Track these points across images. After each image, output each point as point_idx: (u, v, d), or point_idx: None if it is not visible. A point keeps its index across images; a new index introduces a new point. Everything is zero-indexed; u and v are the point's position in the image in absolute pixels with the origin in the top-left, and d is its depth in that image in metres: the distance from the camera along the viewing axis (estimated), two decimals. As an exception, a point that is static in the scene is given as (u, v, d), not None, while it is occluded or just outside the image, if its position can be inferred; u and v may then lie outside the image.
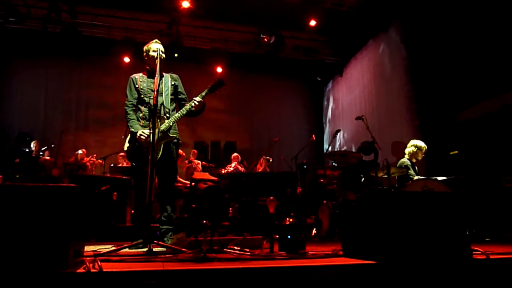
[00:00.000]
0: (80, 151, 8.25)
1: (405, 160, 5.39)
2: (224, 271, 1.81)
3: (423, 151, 5.40)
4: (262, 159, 8.44)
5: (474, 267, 2.17)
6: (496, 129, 6.03)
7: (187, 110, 3.55)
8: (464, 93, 6.65)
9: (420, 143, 5.43)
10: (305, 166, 6.77)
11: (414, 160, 5.42)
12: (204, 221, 2.52)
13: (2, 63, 10.35)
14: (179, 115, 3.56)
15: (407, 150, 5.47)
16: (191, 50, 10.12)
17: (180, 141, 3.79)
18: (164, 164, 3.55)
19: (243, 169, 8.43)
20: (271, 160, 8.42)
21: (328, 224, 5.01)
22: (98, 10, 9.55)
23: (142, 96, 3.66)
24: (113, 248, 2.63)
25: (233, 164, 8.38)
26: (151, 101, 3.32)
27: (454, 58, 6.86)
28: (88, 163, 7.96)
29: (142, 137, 3.47)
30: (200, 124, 11.25)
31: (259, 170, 8.20)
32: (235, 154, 8.76)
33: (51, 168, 7.66)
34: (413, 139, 5.68)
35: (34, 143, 8.12)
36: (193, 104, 3.53)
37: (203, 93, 3.59)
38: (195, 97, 3.57)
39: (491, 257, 2.24)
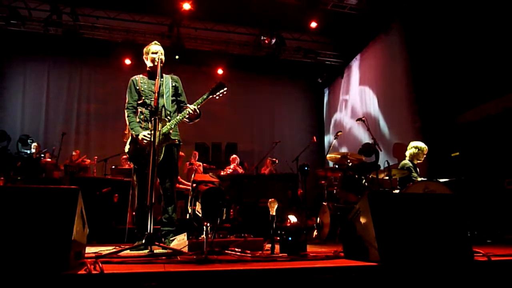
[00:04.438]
0: (73, 153, 8.27)
1: (407, 162, 5.37)
2: (225, 273, 1.81)
3: (424, 152, 5.38)
4: (268, 160, 8.45)
5: (476, 268, 2.16)
6: (497, 130, 6.02)
7: (184, 115, 3.53)
8: (465, 95, 6.65)
9: (421, 144, 5.41)
10: (306, 168, 6.77)
11: (416, 162, 5.40)
12: (205, 223, 2.52)
13: (3, 65, 10.39)
14: (180, 117, 3.52)
15: (407, 152, 5.45)
16: (192, 52, 10.14)
17: (181, 143, 3.78)
18: (165, 166, 3.54)
19: (242, 170, 8.44)
20: (277, 162, 8.43)
21: (329, 225, 5.00)
22: (99, 12, 9.58)
23: (143, 97, 3.64)
24: (114, 249, 2.63)
25: (231, 166, 8.39)
26: (152, 103, 3.31)
27: (456, 60, 6.86)
28: (88, 165, 7.97)
29: (144, 140, 3.46)
30: (201, 126, 11.19)
31: (265, 172, 8.21)
32: (234, 156, 8.77)
33: (52, 170, 7.67)
34: (414, 140, 5.68)
35: (34, 145, 8.14)
36: (188, 112, 3.50)
37: (204, 96, 3.57)
38: (195, 101, 3.56)
39: (492, 258, 2.23)
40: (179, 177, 6.28)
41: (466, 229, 2.39)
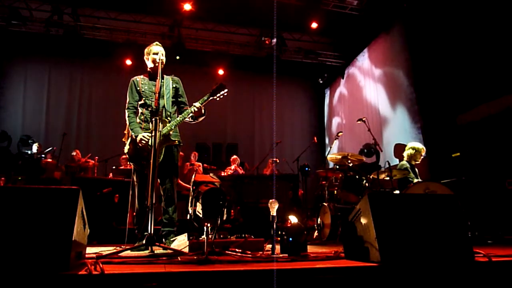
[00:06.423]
0: (73, 152, 8.23)
1: (404, 162, 5.39)
2: (225, 273, 1.81)
3: (422, 152, 5.40)
4: (270, 161, 8.45)
5: (476, 269, 2.16)
6: (498, 130, 6.01)
7: (187, 114, 3.53)
8: (467, 95, 6.64)
9: (418, 145, 5.43)
10: (306, 168, 6.77)
11: (413, 163, 5.41)
12: (206, 223, 2.52)
13: (4, 65, 10.40)
14: (180, 118, 3.50)
15: (405, 153, 5.47)
16: (193, 53, 10.15)
17: (182, 144, 3.77)
18: (165, 167, 3.54)
19: (242, 171, 8.43)
20: (277, 161, 8.45)
21: (329, 226, 5.00)
22: (100, 12, 9.59)
23: (144, 98, 3.63)
24: (115, 250, 2.64)
25: (232, 167, 8.39)
26: (153, 104, 3.30)
27: (457, 60, 6.85)
28: (91, 166, 7.97)
29: (143, 141, 3.45)
30: (202, 126, 11.17)
31: (267, 173, 8.22)
32: (234, 156, 8.77)
33: (53, 170, 7.68)
34: (414, 141, 5.68)
35: (36, 145, 8.14)
36: (192, 110, 3.48)
37: (205, 98, 3.53)
38: (195, 102, 3.53)
39: (493, 259, 2.22)
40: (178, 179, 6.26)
41: (466, 230, 2.39)
